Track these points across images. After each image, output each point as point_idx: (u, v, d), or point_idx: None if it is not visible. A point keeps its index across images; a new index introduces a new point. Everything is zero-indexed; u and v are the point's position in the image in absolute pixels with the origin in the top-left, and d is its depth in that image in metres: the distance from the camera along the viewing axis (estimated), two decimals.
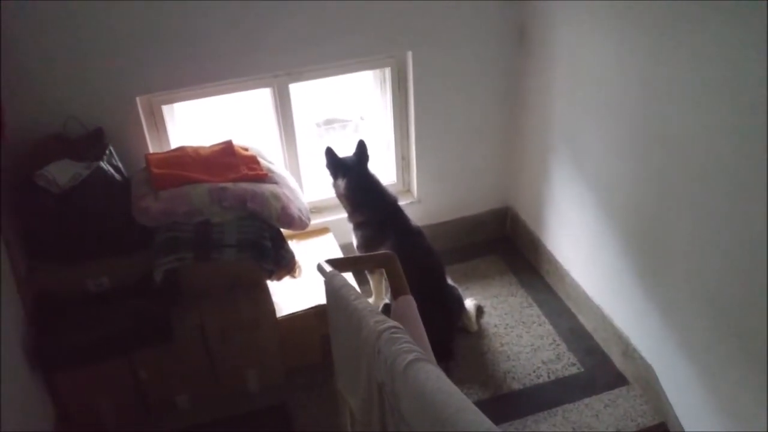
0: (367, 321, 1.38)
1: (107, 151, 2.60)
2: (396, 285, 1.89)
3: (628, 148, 2.51)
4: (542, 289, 3.32)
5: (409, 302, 1.85)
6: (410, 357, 1.14)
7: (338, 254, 3.09)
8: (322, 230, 3.27)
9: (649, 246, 2.52)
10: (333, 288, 1.71)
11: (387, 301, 2.97)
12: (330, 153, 2.99)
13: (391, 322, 1.32)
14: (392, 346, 1.22)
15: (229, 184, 2.56)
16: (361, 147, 2.98)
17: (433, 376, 1.09)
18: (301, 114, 3.30)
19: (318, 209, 3.37)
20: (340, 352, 1.81)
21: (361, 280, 3.14)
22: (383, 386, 1.25)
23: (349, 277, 2.81)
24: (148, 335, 2.53)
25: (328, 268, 1.83)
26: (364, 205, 2.96)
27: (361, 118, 3.69)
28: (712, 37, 1.98)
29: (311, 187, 3.42)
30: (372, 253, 2.65)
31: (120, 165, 2.65)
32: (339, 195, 3.02)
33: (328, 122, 3.76)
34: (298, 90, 3.10)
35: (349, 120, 3.72)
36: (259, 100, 3.16)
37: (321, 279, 1.88)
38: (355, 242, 3.01)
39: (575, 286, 3.08)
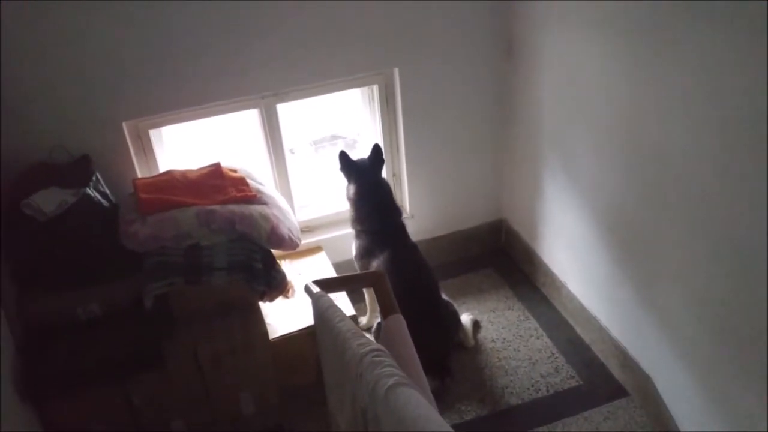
0: (350, 344, 1.35)
1: (94, 178, 2.58)
2: (385, 304, 1.87)
3: (620, 156, 2.49)
4: (539, 301, 3.29)
5: (399, 321, 1.82)
6: (391, 381, 1.11)
7: (331, 273, 3.07)
8: (315, 249, 3.25)
9: (643, 255, 2.49)
10: (319, 309, 1.69)
11: (380, 320, 2.94)
12: (344, 156, 2.99)
13: (374, 345, 1.30)
14: (374, 369, 1.19)
15: (217, 207, 2.54)
16: (376, 151, 2.98)
17: (413, 400, 1.06)
18: (291, 133, 3.29)
19: (310, 228, 3.35)
20: (328, 374, 1.78)
21: (356, 298, 3.11)
22: (366, 411, 1.22)
23: (341, 295, 2.79)
24: (141, 362, 2.49)
25: (314, 289, 1.81)
26: (367, 215, 2.96)
27: (358, 134, 3.68)
28: (701, 44, 1.97)
29: (303, 206, 3.41)
30: (360, 273, 2.64)
31: (107, 191, 2.63)
32: (348, 198, 3.02)
33: (330, 139, 3.75)
34: (289, 110, 3.10)
35: (345, 137, 3.72)
36: (247, 121, 3.16)
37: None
38: (353, 251, 3.00)
39: (572, 298, 3.06)
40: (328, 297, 1.73)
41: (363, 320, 3.18)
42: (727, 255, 2.04)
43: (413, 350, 1.82)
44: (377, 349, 1.27)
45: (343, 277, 2.44)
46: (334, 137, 3.86)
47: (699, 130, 2.05)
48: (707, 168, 2.04)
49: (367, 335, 2.54)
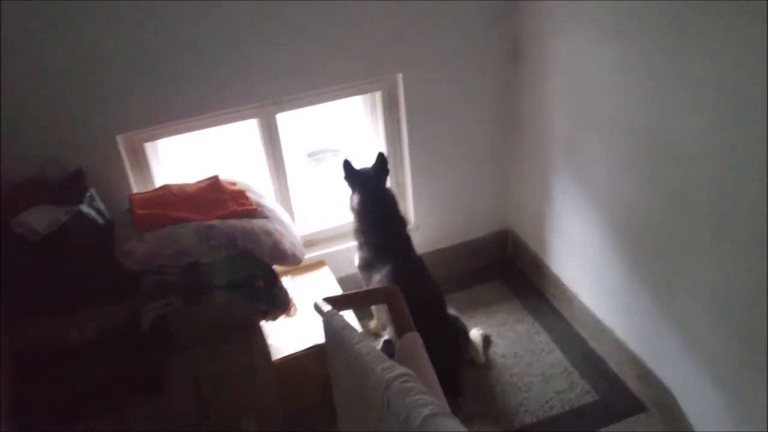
0: (373, 368, 1.24)
1: (88, 194, 2.47)
2: (400, 322, 1.76)
3: (636, 161, 2.41)
4: (549, 314, 3.18)
5: (416, 340, 1.71)
6: (426, 411, 1.00)
7: (335, 289, 2.97)
8: (318, 264, 3.14)
9: (663, 263, 2.40)
10: (333, 330, 1.57)
11: (387, 337, 2.84)
12: (347, 165, 2.90)
13: (401, 369, 1.19)
14: (404, 398, 1.08)
15: (217, 222, 2.43)
16: (381, 159, 2.89)
17: None
18: (290, 145, 3.19)
19: (312, 242, 3.24)
20: (342, 398, 1.67)
21: (362, 314, 3.01)
22: None
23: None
24: (138, 387, 2.41)
25: (325, 307, 1.70)
26: (371, 226, 2.87)
27: (352, 146, 3.58)
28: (723, 38, 1.89)
29: (304, 219, 3.30)
30: (373, 288, 2.53)
31: (102, 207, 2.52)
32: (351, 208, 2.93)
33: (317, 153, 3.66)
34: (286, 120, 3.00)
35: (338, 149, 3.62)
36: (245, 131, 3.05)
37: (318, 317, 1.75)
38: (356, 262, 2.91)
39: (584, 310, 2.95)
40: (341, 316, 1.62)
41: (372, 324, 3.10)
42: (754, 262, 1.95)
43: (432, 371, 1.72)
44: (405, 374, 1.16)
45: (354, 293, 2.32)
46: (326, 151, 3.75)
47: (721, 131, 1.97)
48: (731, 170, 1.96)
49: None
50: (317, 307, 1.76)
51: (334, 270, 3.10)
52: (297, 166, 3.43)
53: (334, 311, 1.66)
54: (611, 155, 2.55)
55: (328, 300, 1.78)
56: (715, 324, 2.20)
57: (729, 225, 2.03)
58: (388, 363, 1.23)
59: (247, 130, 3.03)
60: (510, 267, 3.54)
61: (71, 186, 2.51)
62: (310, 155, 3.63)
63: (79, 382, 2.35)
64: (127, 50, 2.51)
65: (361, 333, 1.52)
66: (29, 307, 2.38)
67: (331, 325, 1.59)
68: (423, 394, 1.07)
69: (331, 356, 1.69)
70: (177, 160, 3.09)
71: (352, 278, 3.07)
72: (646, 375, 2.61)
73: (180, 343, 2.48)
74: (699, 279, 2.23)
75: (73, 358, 2.39)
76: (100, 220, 2.46)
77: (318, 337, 2.59)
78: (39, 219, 2.32)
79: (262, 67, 2.72)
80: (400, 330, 1.74)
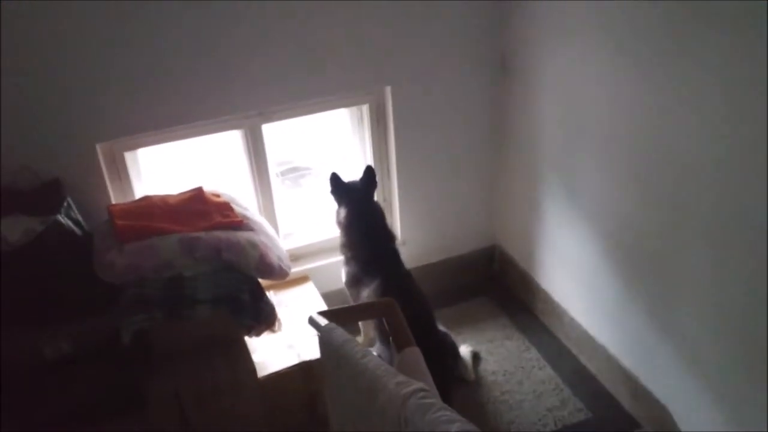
0: (385, 383, 1.16)
1: (65, 203, 2.36)
2: (399, 335, 1.69)
3: (629, 173, 2.38)
4: (539, 330, 3.13)
5: (416, 355, 1.65)
6: (453, 428, 0.93)
7: (320, 304, 2.88)
8: (302, 279, 3.06)
9: (656, 277, 2.37)
10: (333, 345, 1.49)
11: (374, 352, 2.76)
12: (335, 179, 2.83)
13: (416, 384, 1.11)
14: (425, 414, 1.01)
15: (202, 233, 2.34)
16: (369, 173, 2.83)
17: None
18: (275, 157, 3.12)
19: (296, 257, 3.16)
20: (343, 416, 1.58)
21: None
22: None
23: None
24: (117, 405, 2.29)
25: (322, 322, 1.62)
26: (358, 241, 2.80)
27: (338, 160, 3.50)
28: (719, 48, 1.88)
29: (288, 233, 3.22)
30: (370, 301, 2.46)
31: (80, 218, 2.41)
32: (338, 223, 2.86)
33: (300, 168, 3.58)
34: (272, 132, 2.92)
35: (309, 168, 3.53)
36: (230, 142, 2.97)
37: (305, 332, 1.67)
38: (343, 278, 2.85)
39: (575, 326, 2.90)
40: (341, 329, 1.54)
41: (359, 339, 3.00)
42: (751, 275, 1.93)
43: (433, 385, 1.64)
44: (421, 389, 1.08)
45: (350, 307, 2.24)
46: (310, 164, 3.67)
47: (717, 142, 1.95)
48: (727, 182, 1.94)
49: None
50: (313, 322, 1.68)
51: (318, 285, 3.02)
52: (281, 179, 3.35)
53: (332, 325, 1.58)
54: (602, 168, 2.52)
55: (323, 314, 1.70)
56: (711, 339, 2.17)
57: (725, 238, 2.00)
58: (401, 378, 1.16)
59: (232, 140, 2.94)
60: (497, 283, 3.49)
61: (47, 195, 2.40)
62: (295, 168, 3.54)
63: (52, 400, 2.23)
64: (107, 57, 2.43)
65: (366, 349, 1.43)
66: (1, 320, 2.27)
67: (331, 340, 1.51)
68: (445, 410, 1.00)
69: (329, 373, 1.60)
70: (158, 170, 2.99)
71: (338, 294, 2.99)
72: (639, 392, 2.56)
73: (161, 358, 2.38)
74: (694, 293, 2.20)
75: (49, 374, 2.27)
76: (77, 230, 2.35)
77: (304, 353, 2.53)
78: (12, 229, 2.21)
79: (247, 77, 2.65)
80: (399, 344, 1.67)
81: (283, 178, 3.56)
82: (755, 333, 1.96)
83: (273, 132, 2.99)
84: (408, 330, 1.69)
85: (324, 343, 1.58)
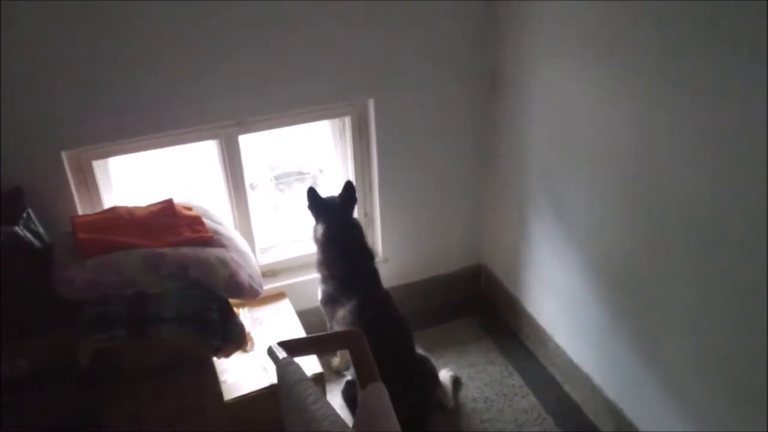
0: None
1: (24, 214, 2.25)
2: (363, 370, 1.58)
3: (620, 198, 2.27)
4: (523, 355, 3.01)
5: (380, 391, 1.53)
6: None
7: (295, 322, 2.77)
8: (278, 295, 2.95)
9: (645, 306, 2.26)
10: (287, 383, 1.38)
11: (350, 377, 2.65)
12: (312, 193, 2.72)
13: None
14: None
15: (168, 249, 2.23)
16: (348, 189, 2.71)
17: None
18: (252, 168, 3.01)
19: (273, 272, 3.05)
20: None
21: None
22: None
23: None
24: (76, 429, 2.19)
25: (280, 355, 1.51)
26: (336, 259, 2.69)
27: (320, 171, 3.40)
28: (709, 69, 1.79)
29: (265, 248, 3.11)
30: (333, 333, 2.36)
31: (40, 230, 2.30)
32: (315, 240, 2.75)
33: (283, 176, 3.48)
34: (250, 140, 2.82)
35: (307, 173, 3.44)
36: (205, 152, 2.86)
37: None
38: (319, 296, 2.74)
39: (560, 353, 2.79)
40: (298, 366, 1.43)
41: (335, 361, 2.91)
42: (743, 308, 1.84)
43: (397, 425, 1.53)
44: None
45: (313, 337, 2.12)
46: (299, 173, 3.58)
47: (711, 164, 1.85)
48: (720, 208, 1.84)
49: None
50: (271, 353, 1.57)
51: (295, 303, 2.91)
52: (259, 190, 3.24)
53: (289, 359, 1.47)
54: (592, 188, 2.42)
55: (284, 344, 1.59)
56: (700, 372, 2.07)
57: (717, 267, 1.91)
58: None
59: (207, 150, 2.83)
60: (482, 304, 3.37)
61: (7, 205, 2.28)
62: (272, 179, 3.44)
63: (9, 421, 2.11)
64: (74, 60, 2.32)
65: (318, 391, 1.32)
66: None
67: (286, 377, 1.40)
68: None
69: (284, 411, 1.50)
70: (130, 180, 2.88)
71: (314, 311, 2.88)
72: (624, 425, 2.46)
73: (123, 378, 2.27)
74: (683, 324, 2.10)
75: (3, 394, 2.16)
76: (36, 243, 2.24)
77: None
78: None
79: (224, 86, 2.54)
80: (363, 380, 1.55)
81: (277, 182, 3.47)
82: (744, 369, 1.88)
83: (265, 138, 2.87)
84: (373, 364, 1.58)
85: (279, 378, 1.48)
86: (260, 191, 3.48)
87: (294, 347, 1.59)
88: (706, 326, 2.00)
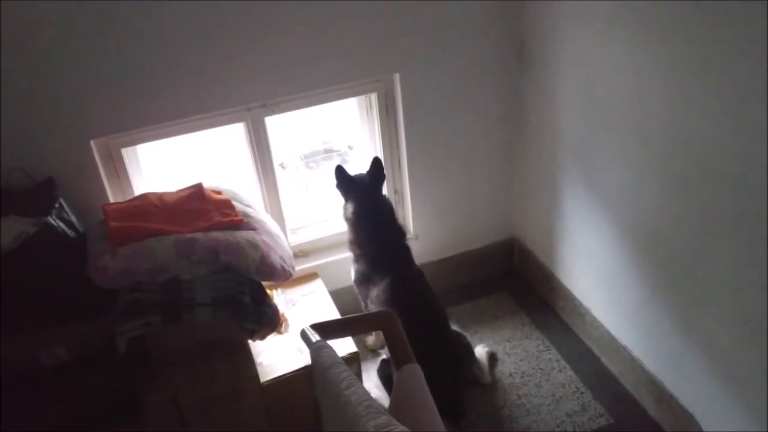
0: (363, 422, 1.04)
1: (57, 204, 2.28)
2: (398, 352, 1.57)
3: (655, 166, 2.21)
4: (559, 329, 2.98)
5: (415, 372, 1.52)
6: None
7: (329, 302, 2.77)
8: (311, 276, 2.95)
9: (684, 276, 2.21)
10: (320, 366, 1.38)
11: (385, 356, 2.65)
12: (340, 171, 2.71)
13: (395, 426, 0.99)
14: None
15: (199, 235, 2.24)
16: (377, 165, 2.70)
17: None
18: (281, 149, 2.99)
19: (305, 252, 3.05)
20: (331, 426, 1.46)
21: None
22: None
23: None
24: (114, 413, 2.23)
25: (313, 338, 1.50)
26: (367, 237, 2.67)
27: (349, 147, 3.38)
28: (748, 35, 1.71)
29: (297, 228, 3.10)
30: (367, 314, 2.34)
31: (73, 219, 2.33)
32: (345, 218, 2.74)
33: (323, 153, 3.47)
34: (277, 120, 2.80)
35: (336, 150, 3.42)
36: (233, 135, 2.85)
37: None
38: (352, 276, 2.73)
39: (597, 326, 2.75)
40: (331, 349, 1.42)
41: (369, 340, 2.92)
42: None
43: (433, 406, 1.53)
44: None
45: (346, 319, 2.11)
46: (328, 151, 3.56)
47: (748, 135, 1.78)
48: (761, 176, 1.77)
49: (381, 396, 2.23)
50: (304, 336, 1.57)
51: (327, 282, 2.90)
52: (288, 170, 3.23)
53: (322, 342, 1.46)
54: (626, 159, 2.36)
55: (316, 327, 1.58)
56: (741, 342, 2.02)
57: (758, 235, 1.84)
58: (382, 419, 1.03)
59: (235, 133, 2.82)
60: (516, 278, 3.34)
61: (39, 196, 2.31)
62: (301, 158, 3.43)
63: (48, 408, 2.17)
64: (101, 49, 2.31)
65: (352, 375, 1.30)
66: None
67: (319, 361, 1.39)
68: None
69: (318, 394, 1.49)
70: (159, 166, 2.89)
71: (348, 291, 2.88)
72: (664, 397, 2.42)
73: (160, 363, 2.29)
74: (724, 294, 2.04)
75: (43, 381, 2.21)
76: (70, 232, 2.26)
77: None
78: (4, 232, 2.13)
79: (249, 68, 2.52)
80: (398, 361, 1.54)
81: (308, 161, 3.46)
82: None
83: (292, 118, 2.84)
84: (407, 344, 1.57)
85: (313, 361, 1.47)
86: (290, 171, 3.48)
87: (326, 330, 1.58)
88: (746, 296, 1.95)
